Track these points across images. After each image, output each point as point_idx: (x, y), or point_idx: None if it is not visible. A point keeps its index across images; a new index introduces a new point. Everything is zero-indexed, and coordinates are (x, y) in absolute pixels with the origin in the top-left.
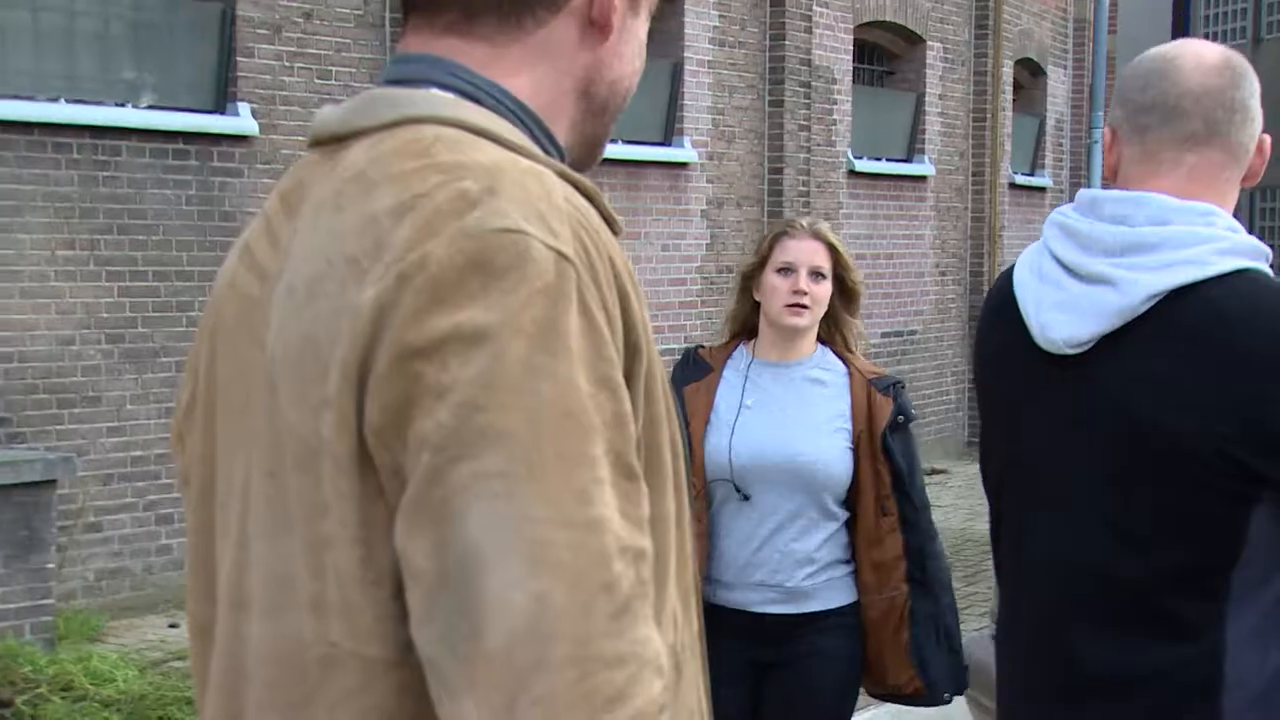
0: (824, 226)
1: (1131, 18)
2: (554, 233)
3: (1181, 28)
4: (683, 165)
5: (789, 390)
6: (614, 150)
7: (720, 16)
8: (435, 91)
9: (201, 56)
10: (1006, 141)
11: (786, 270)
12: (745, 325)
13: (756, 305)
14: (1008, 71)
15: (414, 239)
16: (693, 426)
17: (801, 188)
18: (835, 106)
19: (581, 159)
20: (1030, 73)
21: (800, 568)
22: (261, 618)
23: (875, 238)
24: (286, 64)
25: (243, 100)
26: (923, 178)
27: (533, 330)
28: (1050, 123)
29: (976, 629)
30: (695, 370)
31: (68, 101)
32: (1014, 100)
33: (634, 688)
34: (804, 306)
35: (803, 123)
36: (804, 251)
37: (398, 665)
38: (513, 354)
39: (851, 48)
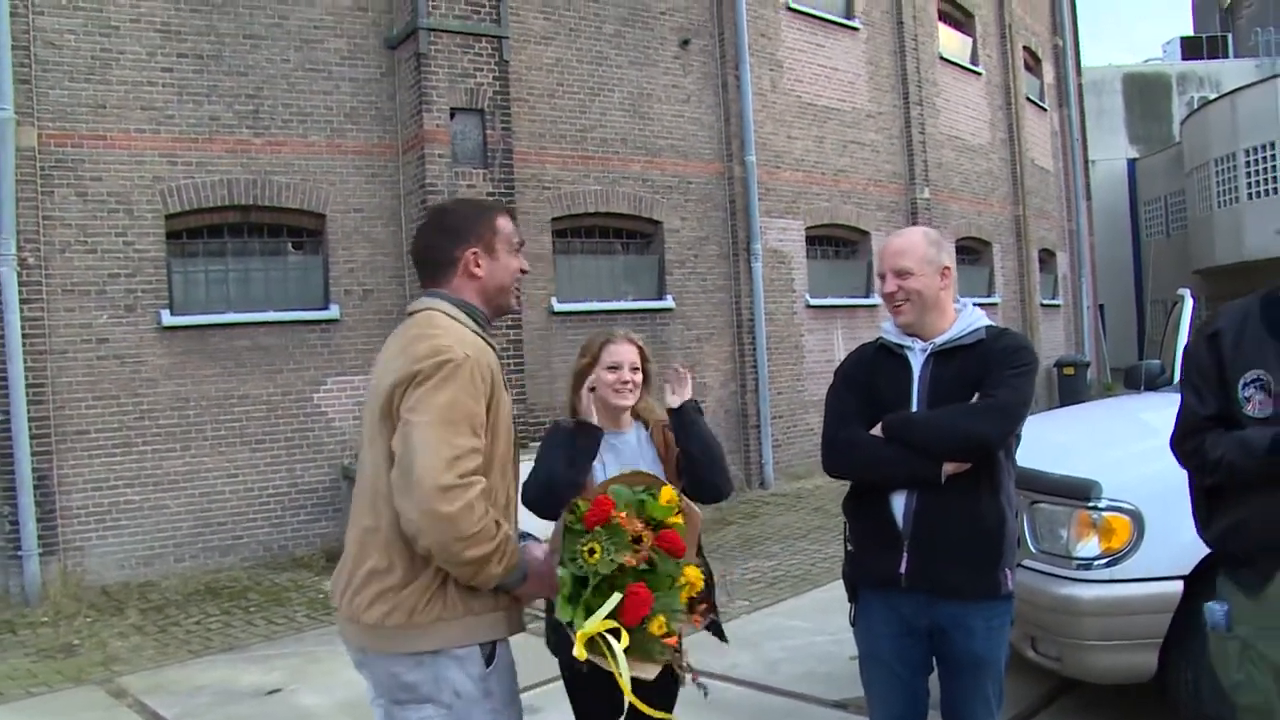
0: (634, 335)
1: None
2: (464, 350)
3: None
4: (669, 310)
5: (624, 450)
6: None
7: (697, 225)
8: (437, 301)
9: None
10: None
11: (614, 367)
12: (575, 411)
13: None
14: None
15: (420, 354)
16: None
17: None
18: (794, 272)
19: (493, 314)
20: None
21: None
22: (364, 471)
23: (840, 354)
24: None
25: None
26: (875, 305)
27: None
28: None
29: None
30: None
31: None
32: None
33: (463, 493)
34: (631, 391)
35: (770, 278)
36: (624, 353)
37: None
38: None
39: (804, 241)
